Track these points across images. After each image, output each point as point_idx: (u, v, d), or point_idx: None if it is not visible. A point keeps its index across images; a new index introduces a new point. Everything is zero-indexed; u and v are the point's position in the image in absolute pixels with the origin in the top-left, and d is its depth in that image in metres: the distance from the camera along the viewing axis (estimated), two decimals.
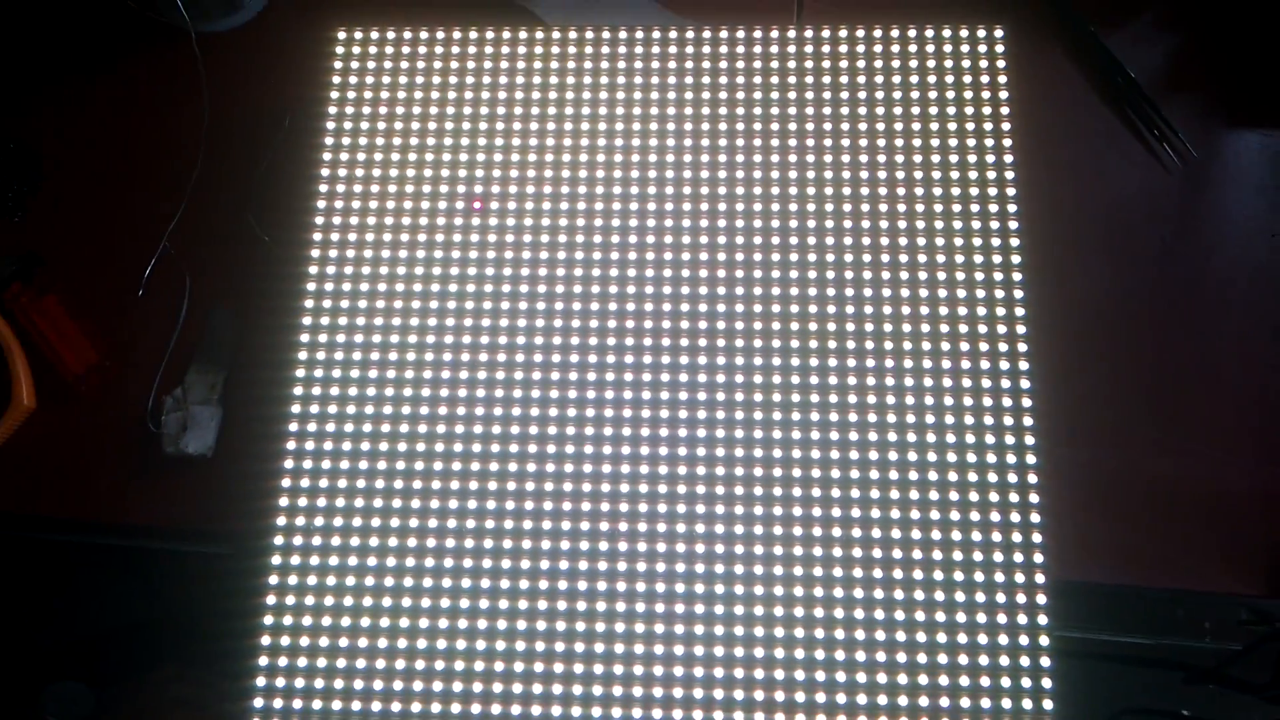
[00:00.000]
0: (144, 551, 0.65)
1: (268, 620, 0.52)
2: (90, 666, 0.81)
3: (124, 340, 0.65)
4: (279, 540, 0.54)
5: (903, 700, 0.48)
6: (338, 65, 0.63)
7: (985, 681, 0.48)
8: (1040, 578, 0.49)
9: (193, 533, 0.61)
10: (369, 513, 0.54)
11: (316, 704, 0.51)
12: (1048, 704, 0.47)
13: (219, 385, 0.62)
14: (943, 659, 0.48)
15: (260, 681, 0.52)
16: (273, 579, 0.53)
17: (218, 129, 0.69)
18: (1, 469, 0.62)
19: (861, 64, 0.61)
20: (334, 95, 0.63)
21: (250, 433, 0.60)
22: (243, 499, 0.57)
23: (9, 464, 0.63)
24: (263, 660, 0.52)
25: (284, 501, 0.55)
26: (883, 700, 0.48)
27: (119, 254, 0.67)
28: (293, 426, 0.56)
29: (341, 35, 0.64)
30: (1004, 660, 0.48)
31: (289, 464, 0.55)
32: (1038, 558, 0.50)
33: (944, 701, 0.48)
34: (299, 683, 0.51)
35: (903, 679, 0.48)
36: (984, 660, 0.48)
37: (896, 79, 0.60)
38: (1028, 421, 0.52)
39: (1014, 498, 0.51)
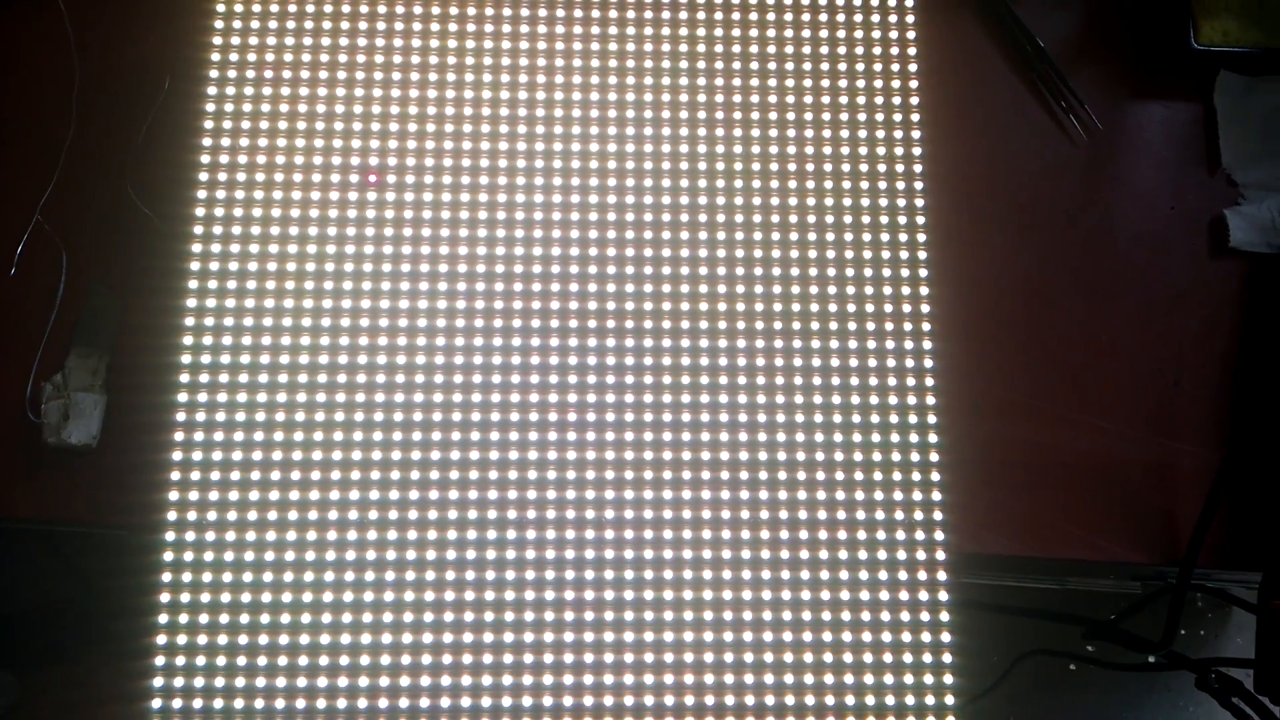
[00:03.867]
0: (47, 533, 0.62)
1: (163, 619, 0.50)
2: (11, 651, 0.78)
3: None
4: (170, 535, 0.52)
5: (808, 678, 0.49)
6: (219, 24, 0.59)
7: (888, 658, 0.49)
8: (941, 554, 0.50)
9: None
10: (264, 505, 0.52)
11: (218, 703, 0.49)
12: (948, 678, 0.48)
13: (102, 370, 0.59)
14: (846, 636, 0.49)
15: (158, 681, 0.50)
16: (165, 576, 0.51)
17: (90, 92, 0.64)
18: None
19: (772, 32, 0.59)
20: (215, 58, 0.59)
21: (136, 420, 0.57)
22: (131, 491, 0.54)
23: None
24: (159, 660, 0.50)
25: (174, 494, 0.52)
26: (789, 679, 0.49)
27: None
28: (180, 415, 0.53)
29: None
30: (906, 636, 0.49)
31: (178, 454, 0.53)
32: (939, 535, 0.50)
33: (848, 678, 0.49)
34: (198, 682, 0.50)
35: (808, 657, 0.49)
36: (886, 637, 0.49)
37: (806, 49, 0.59)
38: (930, 400, 0.52)
39: (916, 475, 0.51)
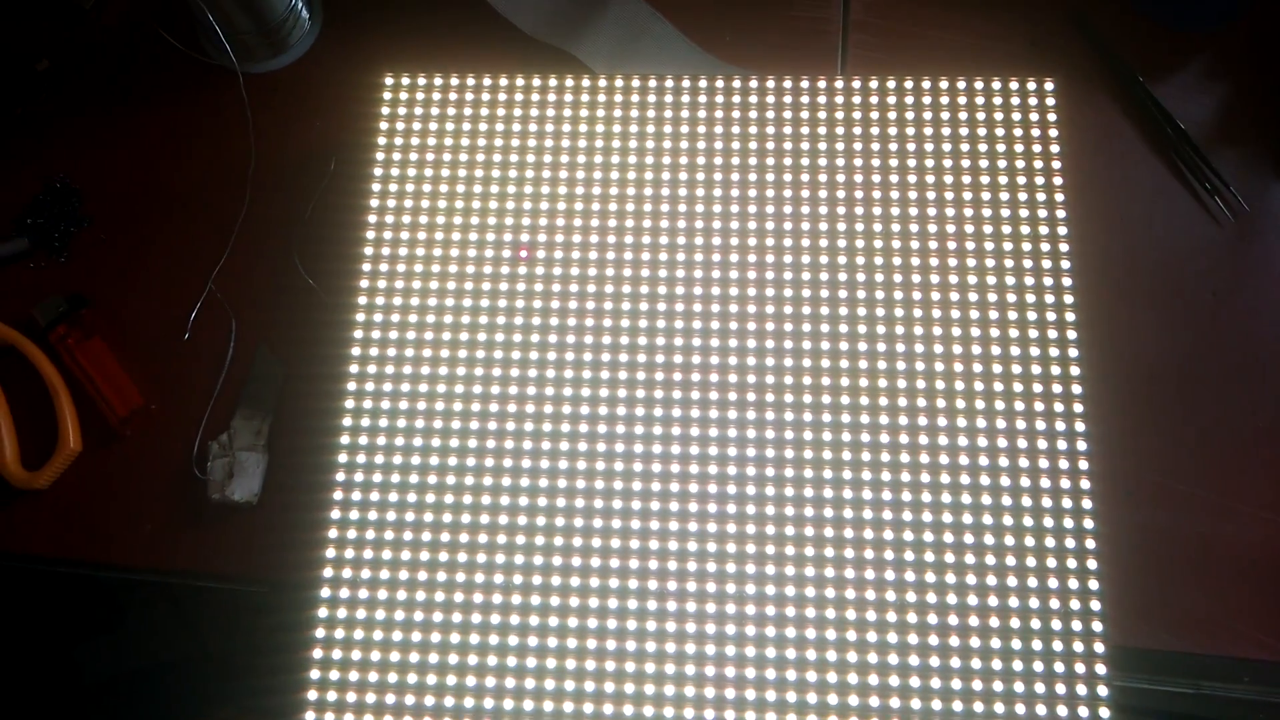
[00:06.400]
0: (188, 588, 0.64)
1: (314, 675, 0.52)
2: (139, 707, 0.81)
3: (169, 383, 0.65)
4: (325, 592, 0.54)
5: None
6: (384, 111, 0.64)
7: None
8: (1099, 646, 0.48)
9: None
10: (415, 565, 0.54)
11: None
12: None
13: (264, 430, 0.62)
14: None
15: None
16: (319, 632, 0.53)
17: (264, 171, 0.69)
18: (46, 512, 0.63)
19: (910, 115, 0.60)
20: (381, 141, 0.63)
21: (296, 481, 0.60)
22: (288, 549, 0.56)
23: (53, 507, 0.63)
24: (310, 715, 0.52)
25: (330, 553, 0.54)
26: None
27: (165, 295, 0.67)
28: (339, 475, 0.56)
29: (389, 81, 0.64)
30: None
31: (335, 514, 0.55)
32: (1096, 625, 0.49)
33: None
34: None
35: None
36: None
37: (946, 130, 0.60)
38: (1085, 484, 0.51)
39: (1071, 562, 0.50)
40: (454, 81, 0.64)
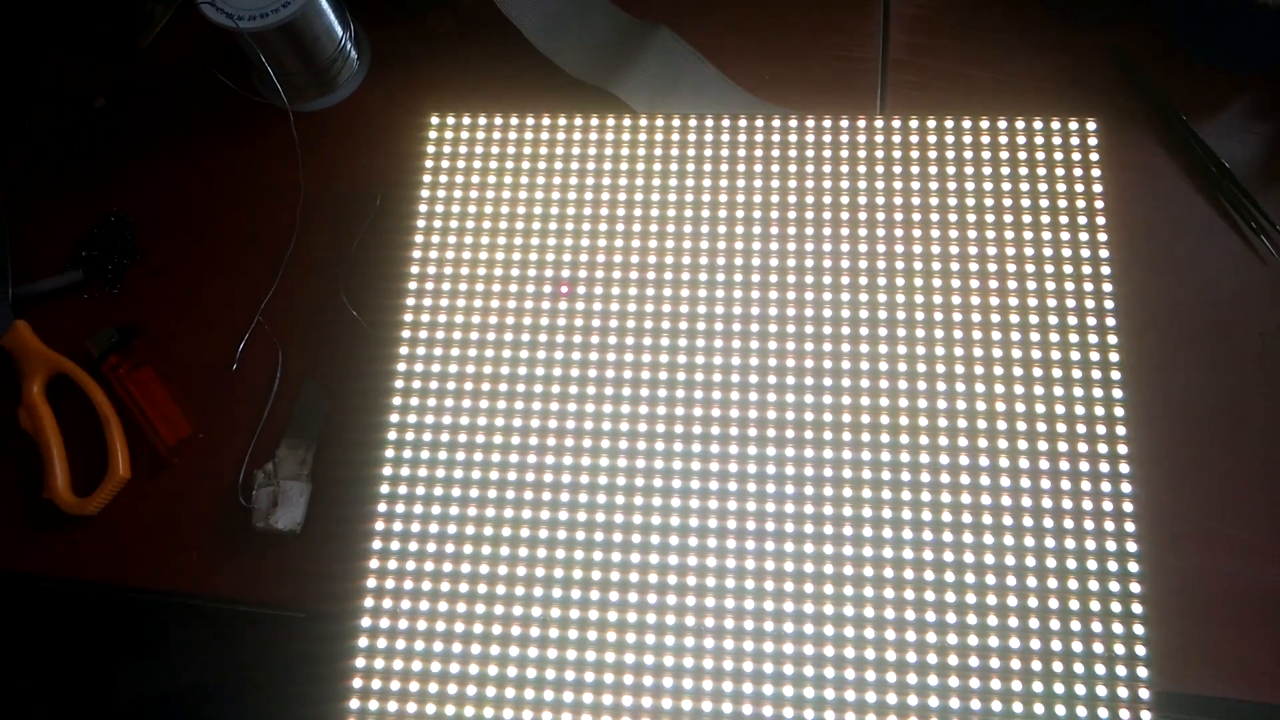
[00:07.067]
0: (231, 614, 0.65)
1: (354, 704, 0.53)
2: None
3: (216, 412, 0.66)
4: (366, 622, 0.54)
5: None
6: (430, 150, 0.65)
7: None
8: (1144, 691, 0.48)
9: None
10: (455, 596, 0.54)
11: None
12: None
13: (309, 460, 0.63)
14: None
15: None
16: (359, 661, 0.53)
17: (311, 207, 0.71)
18: (95, 537, 0.64)
19: (951, 155, 0.61)
20: (425, 179, 0.64)
21: (339, 511, 0.61)
22: (331, 578, 0.57)
23: (102, 532, 0.64)
24: None
25: (372, 582, 0.55)
26: None
27: (214, 327, 0.69)
28: (381, 506, 0.57)
29: (434, 120, 0.66)
30: None
31: (377, 544, 0.56)
32: (1141, 671, 0.48)
33: None
34: None
35: None
36: None
37: (987, 170, 0.60)
38: (1129, 527, 0.51)
39: (1116, 606, 0.49)
40: (497, 120, 0.65)
